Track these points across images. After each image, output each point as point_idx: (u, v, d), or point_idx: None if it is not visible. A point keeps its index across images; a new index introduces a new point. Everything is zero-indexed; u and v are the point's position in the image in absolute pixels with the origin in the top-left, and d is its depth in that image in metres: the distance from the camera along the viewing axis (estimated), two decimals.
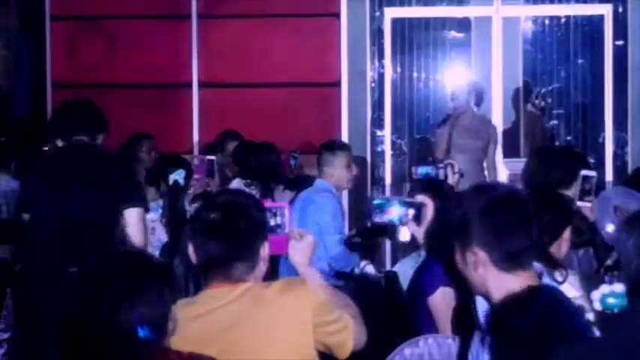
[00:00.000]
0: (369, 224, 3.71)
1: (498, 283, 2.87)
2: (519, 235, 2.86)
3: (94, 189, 4.97)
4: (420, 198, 3.83)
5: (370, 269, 4.54)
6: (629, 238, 2.43)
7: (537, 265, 2.96)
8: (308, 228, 6.14)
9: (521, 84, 9.58)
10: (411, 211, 3.42)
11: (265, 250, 3.13)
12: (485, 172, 8.09)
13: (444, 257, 3.63)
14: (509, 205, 2.88)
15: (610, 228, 4.08)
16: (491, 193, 2.92)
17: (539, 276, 2.92)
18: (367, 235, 6.17)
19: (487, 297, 2.94)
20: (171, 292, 2.76)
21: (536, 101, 9.50)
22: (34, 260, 4.94)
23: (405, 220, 3.42)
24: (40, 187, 5.06)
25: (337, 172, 6.38)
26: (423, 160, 9.17)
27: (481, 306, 3.01)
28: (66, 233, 4.86)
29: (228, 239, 3.07)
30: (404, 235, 3.70)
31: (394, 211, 3.46)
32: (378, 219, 3.52)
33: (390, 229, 3.75)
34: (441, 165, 6.16)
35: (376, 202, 3.55)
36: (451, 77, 9.25)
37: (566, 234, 3.92)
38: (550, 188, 4.55)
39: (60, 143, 5.26)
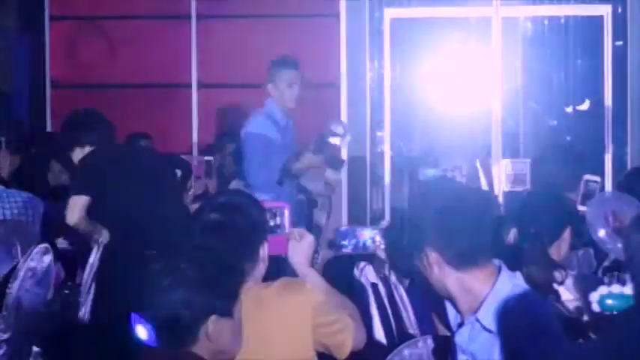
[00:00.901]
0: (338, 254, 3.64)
1: (454, 281, 2.95)
2: (469, 234, 2.93)
3: (156, 183, 5.60)
4: (386, 222, 3.89)
5: (369, 271, 4.54)
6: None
7: (496, 261, 3.00)
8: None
9: (520, 84, 9.56)
10: (378, 237, 3.43)
11: (265, 251, 3.14)
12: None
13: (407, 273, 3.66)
14: (456, 205, 2.96)
15: (602, 233, 4.07)
16: (440, 196, 2.98)
17: (498, 271, 2.96)
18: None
19: (450, 298, 2.98)
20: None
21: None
22: (117, 254, 5.36)
23: (376, 245, 3.43)
24: (112, 188, 5.51)
25: (278, 89, 6.16)
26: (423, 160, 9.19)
27: (450, 309, 3.04)
28: (147, 228, 5.37)
29: (228, 239, 3.07)
30: None
31: (366, 234, 3.46)
32: (349, 247, 3.50)
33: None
34: (447, 168, 6.15)
35: (343, 229, 3.53)
36: (450, 78, 9.24)
37: (566, 235, 3.92)
38: (551, 189, 4.55)
39: (81, 151, 5.63)
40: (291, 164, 6.05)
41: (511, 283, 2.97)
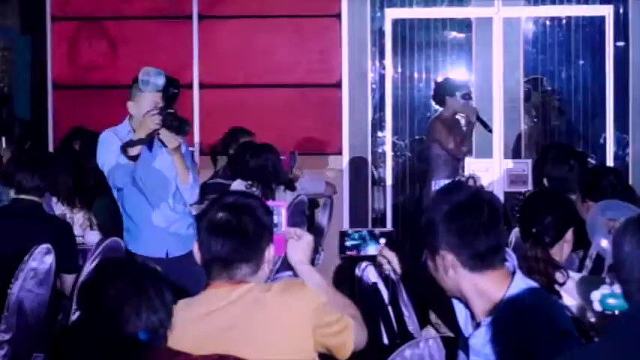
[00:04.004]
0: (342, 256, 3.61)
1: (469, 283, 2.92)
2: (484, 236, 2.90)
3: None
4: (390, 226, 3.86)
5: (371, 271, 4.55)
6: (628, 244, 2.39)
7: (509, 264, 2.98)
8: None
9: (521, 85, 9.56)
10: (383, 240, 3.41)
11: (270, 253, 3.14)
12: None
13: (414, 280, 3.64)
14: (472, 207, 2.92)
15: (604, 243, 4.06)
16: (455, 197, 2.95)
17: (512, 274, 2.95)
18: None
19: (463, 299, 2.96)
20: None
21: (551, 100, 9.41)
22: None
23: (380, 248, 3.42)
24: None
25: (135, 110, 5.60)
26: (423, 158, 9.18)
27: (459, 310, 3.02)
28: None
29: (235, 239, 3.07)
30: None
31: (370, 250, 3.45)
32: (353, 253, 3.49)
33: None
34: (463, 178, 6.12)
35: (349, 235, 3.51)
36: (452, 78, 9.23)
37: (569, 235, 3.92)
38: (554, 189, 4.56)
39: None
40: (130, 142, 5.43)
41: (526, 285, 2.95)
